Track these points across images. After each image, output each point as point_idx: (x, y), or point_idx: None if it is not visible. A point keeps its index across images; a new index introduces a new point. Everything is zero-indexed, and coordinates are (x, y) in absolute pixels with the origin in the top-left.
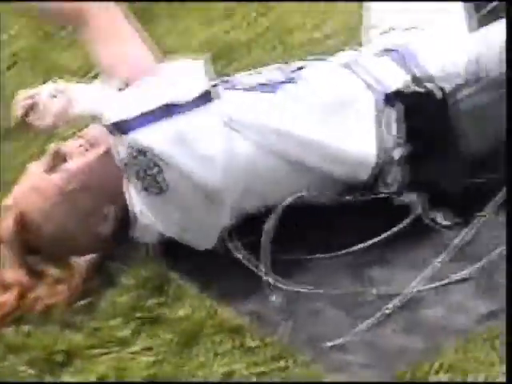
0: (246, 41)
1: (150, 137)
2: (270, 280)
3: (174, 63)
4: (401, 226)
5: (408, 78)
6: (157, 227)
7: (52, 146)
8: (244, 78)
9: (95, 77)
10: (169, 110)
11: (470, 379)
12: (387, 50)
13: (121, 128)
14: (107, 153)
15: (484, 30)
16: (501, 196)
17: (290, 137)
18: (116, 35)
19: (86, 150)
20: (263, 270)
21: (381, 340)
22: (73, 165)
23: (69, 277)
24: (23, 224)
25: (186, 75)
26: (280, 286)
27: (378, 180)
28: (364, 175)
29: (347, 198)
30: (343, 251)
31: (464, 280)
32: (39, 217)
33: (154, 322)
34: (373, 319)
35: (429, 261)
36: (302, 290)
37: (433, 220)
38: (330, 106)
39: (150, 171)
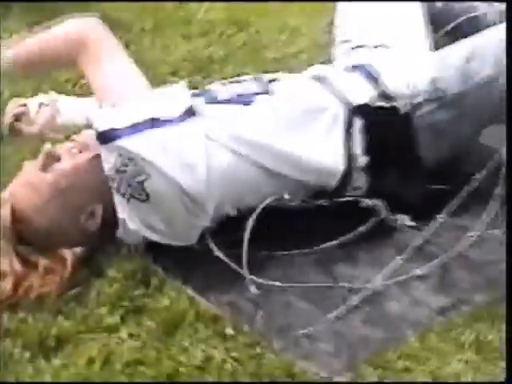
0: (224, 55)
1: (138, 144)
2: (248, 274)
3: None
4: (365, 227)
5: (374, 93)
6: (141, 232)
7: (46, 147)
8: (222, 88)
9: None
10: (156, 123)
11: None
12: (356, 66)
13: (110, 136)
14: (97, 156)
15: (443, 50)
16: (456, 201)
17: (265, 148)
18: (110, 61)
19: (79, 152)
20: (244, 265)
21: (347, 330)
22: (65, 165)
23: (58, 267)
24: (17, 216)
25: (172, 93)
26: (255, 280)
27: (346, 185)
28: (332, 182)
29: (318, 201)
30: (313, 249)
31: (423, 276)
32: (32, 210)
33: (139, 311)
34: (340, 311)
35: (391, 258)
36: (275, 284)
37: (395, 221)
38: (301, 116)
39: (137, 178)
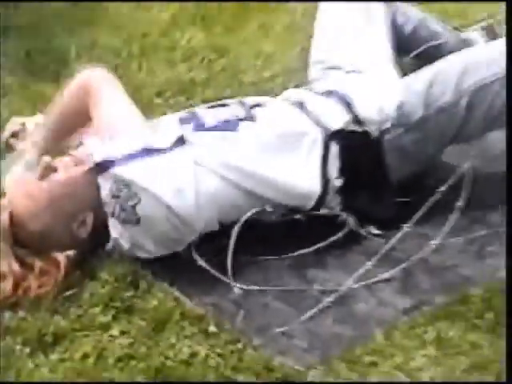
0: (205, 79)
1: (131, 171)
2: (232, 278)
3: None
4: (336, 236)
5: (348, 118)
6: (132, 251)
7: (45, 159)
8: (209, 113)
9: None
10: (148, 152)
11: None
12: (331, 92)
13: (106, 165)
14: (90, 170)
15: (408, 77)
16: (421, 212)
17: (249, 173)
18: (110, 105)
19: (74, 166)
20: (228, 269)
21: (320, 328)
22: (60, 176)
23: (52, 269)
24: (15, 221)
25: (164, 124)
26: (237, 284)
27: (321, 205)
28: (310, 203)
29: (295, 215)
30: (289, 255)
31: (389, 280)
32: (28, 216)
33: (129, 310)
34: (313, 311)
35: (359, 264)
36: (254, 288)
37: (363, 231)
38: (283, 142)
39: (130, 202)
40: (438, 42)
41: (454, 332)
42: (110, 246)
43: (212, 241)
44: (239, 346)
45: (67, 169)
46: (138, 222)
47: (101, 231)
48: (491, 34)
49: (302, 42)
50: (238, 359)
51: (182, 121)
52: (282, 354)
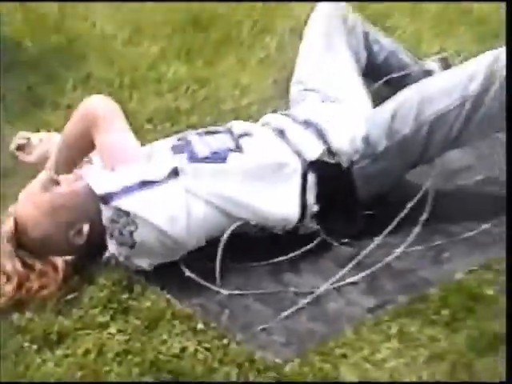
0: (189, 107)
1: (130, 204)
2: (218, 283)
3: (147, 148)
4: (309, 246)
5: (323, 150)
6: (126, 264)
7: (50, 174)
8: (201, 143)
9: None
10: (145, 184)
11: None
12: (308, 123)
13: (108, 198)
14: (88, 185)
15: (373, 110)
16: (391, 226)
17: (235, 202)
18: (113, 129)
19: (75, 181)
20: (217, 274)
21: (296, 325)
22: (62, 189)
23: (50, 271)
24: (19, 227)
25: (159, 156)
26: (222, 287)
27: (300, 227)
28: (289, 226)
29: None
30: (268, 262)
31: (356, 283)
32: (30, 223)
33: (125, 311)
34: (290, 311)
35: (329, 269)
36: (235, 292)
37: (334, 240)
38: (266, 173)
39: (128, 228)
40: (404, 72)
41: (414, 327)
42: (106, 256)
43: (200, 250)
44: (224, 341)
45: (69, 183)
46: (133, 245)
47: (98, 240)
48: (445, 65)
49: (274, 74)
50: (223, 353)
51: (176, 149)
52: (262, 348)
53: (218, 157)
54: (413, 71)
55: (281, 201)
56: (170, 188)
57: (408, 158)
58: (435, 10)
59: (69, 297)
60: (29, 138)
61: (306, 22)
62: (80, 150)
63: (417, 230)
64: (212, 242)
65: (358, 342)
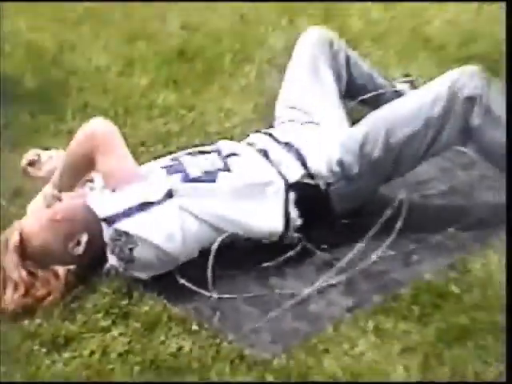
0: (178, 130)
1: (130, 225)
2: (210, 288)
3: (144, 168)
4: (292, 252)
5: (303, 172)
6: (126, 275)
7: (53, 191)
8: (193, 163)
9: None
10: (143, 206)
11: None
12: (290, 146)
13: (110, 220)
14: (90, 206)
15: (346, 136)
16: (371, 232)
17: (224, 218)
18: (113, 152)
19: (76, 198)
20: (209, 279)
21: (282, 325)
22: (62, 205)
23: (52, 279)
24: (23, 238)
25: (155, 179)
26: (213, 292)
27: (285, 237)
28: (274, 239)
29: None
30: (255, 267)
31: (335, 285)
32: (33, 235)
33: (126, 316)
34: (276, 312)
35: (310, 273)
36: (226, 296)
37: (314, 247)
38: (253, 191)
39: (128, 246)
40: (378, 92)
41: (388, 323)
42: (107, 267)
43: (193, 259)
44: (217, 340)
45: (70, 199)
46: (133, 260)
47: (99, 252)
48: (413, 87)
49: (255, 99)
50: (216, 351)
51: (170, 170)
52: (251, 346)
53: (208, 177)
54: (386, 92)
55: (266, 216)
56: (166, 208)
57: (380, 177)
58: (398, 39)
59: (74, 304)
60: (39, 155)
61: (281, 52)
62: (82, 169)
63: (393, 236)
64: (204, 252)
65: (338, 337)
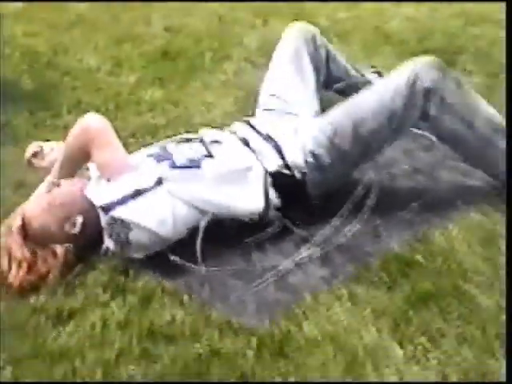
0: (165, 123)
1: (125, 212)
2: (200, 263)
3: (135, 158)
4: (272, 230)
5: (280, 163)
6: (122, 256)
7: (53, 179)
8: (178, 151)
9: None
10: (136, 193)
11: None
12: (270, 138)
13: (106, 208)
14: (83, 187)
15: (318, 128)
16: (345, 209)
17: (210, 201)
18: (106, 145)
19: (73, 184)
20: (198, 252)
21: (265, 295)
22: (61, 190)
23: (51, 257)
24: (25, 221)
25: (146, 168)
26: (202, 266)
27: (265, 218)
28: (256, 217)
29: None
30: (239, 244)
31: (313, 258)
32: (33, 217)
33: (123, 290)
34: (260, 283)
35: (288, 248)
36: (214, 269)
37: (292, 225)
38: (234, 175)
39: (124, 230)
40: (352, 81)
41: (361, 290)
42: (104, 248)
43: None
44: (206, 310)
45: (68, 185)
46: (128, 243)
47: (96, 234)
48: (380, 77)
49: (234, 93)
50: (205, 320)
51: (158, 158)
52: (238, 314)
53: (193, 163)
54: (358, 82)
55: (248, 198)
56: (157, 194)
57: (351, 164)
58: (363, 35)
59: (75, 281)
60: (41, 147)
61: (256, 50)
62: (78, 160)
63: (365, 213)
64: (192, 231)
65: (316, 305)
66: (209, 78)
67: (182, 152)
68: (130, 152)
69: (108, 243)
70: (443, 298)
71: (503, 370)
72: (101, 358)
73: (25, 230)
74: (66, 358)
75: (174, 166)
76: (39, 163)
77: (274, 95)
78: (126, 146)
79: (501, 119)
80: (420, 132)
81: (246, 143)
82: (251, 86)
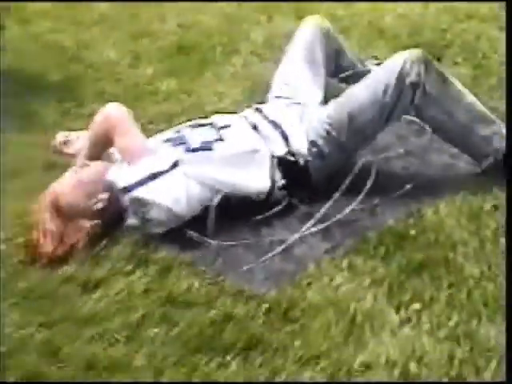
0: (180, 111)
1: (143, 192)
2: (212, 237)
3: (152, 142)
4: (279, 207)
5: (286, 150)
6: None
7: (83, 161)
8: (193, 135)
9: None
10: (154, 175)
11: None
12: (277, 125)
13: (127, 189)
14: (107, 167)
15: (317, 119)
16: (344, 186)
17: (221, 181)
18: (127, 132)
19: (99, 165)
20: (209, 228)
21: (272, 266)
22: (89, 170)
23: (77, 231)
24: (56, 197)
25: (163, 152)
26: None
27: (271, 197)
28: (263, 196)
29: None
30: (249, 220)
31: (316, 232)
32: (64, 194)
33: (145, 261)
34: (268, 255)
35: (293, 224)
36: (226, 243)
37: (298, 203)
38: (243, 157)
39: (143, 209)
40: (356, 70)
41: (359, 261)
42: (126, 224)
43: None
44: (220, 279)
45: (94, 166)
46: (148, 220)
47: (118, 212)
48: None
49: (242, 84)
50: (219, 288)
51: (174, 142)
52: (248, 283)
53: (206, 146)
54: (361, 71)
55: (255, 178)
56: (173, 176)
57: (348, 152)
58: (359, 31)
59: (102, 253)
60: (67, 136)
61: (262, 45)
62: (102, 145)
63: (364, 192)
64: (206, 209)
65: (319, 274)
66: (219, 70)
67: (196, 136)
68: (148, 137)
69: (130, 220)
70: (434, 268)
71: (492, 333)
72: (125, 321)
73: (56, 205)
74: (94, 322)
75: (188, 150)
76: (67, 150)
77: (285, 83)
78: (144, 132)
79: (482, 108)
80: (412, 118)
81: (255, 128)
82: (258, 77)
